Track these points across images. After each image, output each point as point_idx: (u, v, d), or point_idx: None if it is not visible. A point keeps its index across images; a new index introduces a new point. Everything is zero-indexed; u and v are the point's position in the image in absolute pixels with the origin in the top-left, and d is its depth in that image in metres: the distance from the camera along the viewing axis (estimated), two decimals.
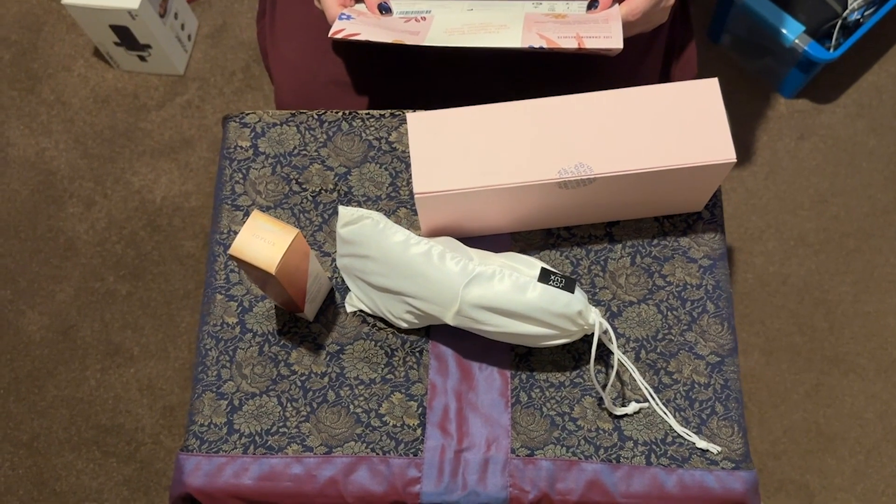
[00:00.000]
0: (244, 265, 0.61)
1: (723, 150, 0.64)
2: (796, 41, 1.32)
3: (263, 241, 0.60)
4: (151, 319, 1.37)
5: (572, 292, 0.63)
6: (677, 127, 0.65)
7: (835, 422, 1.29)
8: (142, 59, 1.47)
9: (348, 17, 0.73)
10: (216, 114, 1.49)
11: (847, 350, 1.32)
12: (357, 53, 0.87)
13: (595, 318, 0.64)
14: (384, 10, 0.76)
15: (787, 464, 1.27)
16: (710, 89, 0.66)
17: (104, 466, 1.30)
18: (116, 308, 1.38)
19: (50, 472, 1.30)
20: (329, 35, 0.71)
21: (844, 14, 1.34)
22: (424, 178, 0.65)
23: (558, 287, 0.63)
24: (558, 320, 0.63)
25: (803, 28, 1.33)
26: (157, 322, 1.37)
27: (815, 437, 1.28)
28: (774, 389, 1.31)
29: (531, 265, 0.65)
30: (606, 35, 0.68)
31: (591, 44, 0.67)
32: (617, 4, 0.72)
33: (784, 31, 1.33)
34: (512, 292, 0.63)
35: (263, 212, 0.75)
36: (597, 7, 0.72)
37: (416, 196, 0.65)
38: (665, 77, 0.96)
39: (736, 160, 0.63)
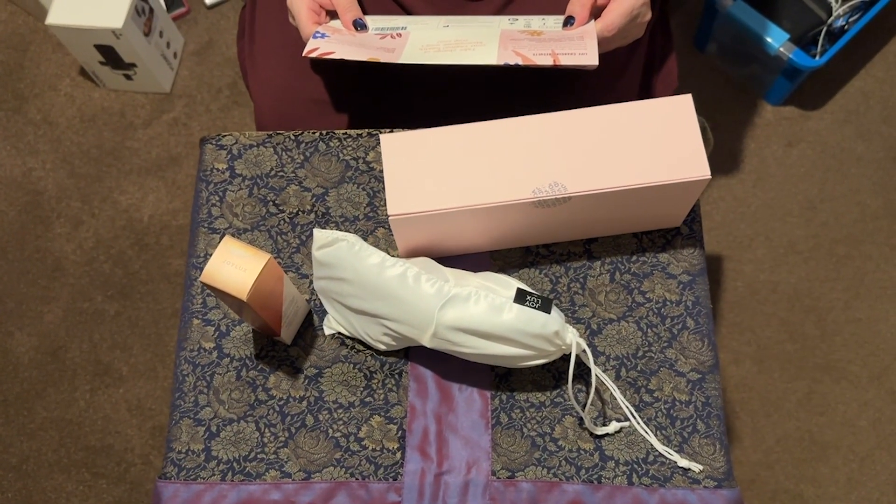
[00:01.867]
0: (217, 292, 0.61)
1: (697, 166, 0.63)
2: (781, 49, 1.32)
3: (235, 266, 0.60)
4: (140, 339, 1.37)
5: (549, 312, 0.62)
6: (651, 144, 0.64)
7: (828, 430, 1.28)
8: (128, 77, 1.47)
9: (322, 36, 0.73)
10: (203, 131, 1.49)
11: (839, 357, 1.32)
12: (336, 72, 0.87)
13: (572, 338, 0.63)
14: (359, 26, 0.75)
15: (781, 473, 1.26)
16: (683, 105, 0.65)
17: (94, 488, 1.29)
18: (105, 328, 1.37)
19: (39, 494, 1.29)
20: (303, 54, 0.71)
21: (829, 21, 1.34)
22: (399, 200, 0.64)
23: (534, 307, 0.62)
24: (535, 341, 0.63)
25: (788, 36, 1.32)
26: (145, 341, 1.36)
27: (808, 446, 1.27)
28: (766, 398, 1.30)
29: (507, 285, 0.64)
30: (582, 52, 0.67)
31: (566, 60, 0.66)
32: (593, 21, 0.72)
33: (769, 39, 1.33)
34: (488, 314, 0.62)
35: (240, 234, 0.75)
36: (572, 24, 0.72)
37: (390, 218, 0.64)
38: (646, 89, 0.95)
39: (710, 177, 0.63)
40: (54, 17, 1.34)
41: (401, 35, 0.74)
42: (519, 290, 0.63)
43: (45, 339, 1.37)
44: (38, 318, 1.38)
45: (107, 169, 1.47)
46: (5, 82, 1.54)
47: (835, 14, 1.33)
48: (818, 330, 1.33)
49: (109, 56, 1.41)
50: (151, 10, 1.42)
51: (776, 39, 1.32)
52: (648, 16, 0.73)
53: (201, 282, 0.60)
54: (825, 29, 1.34)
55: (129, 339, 1.37)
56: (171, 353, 1.36)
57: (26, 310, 1.39)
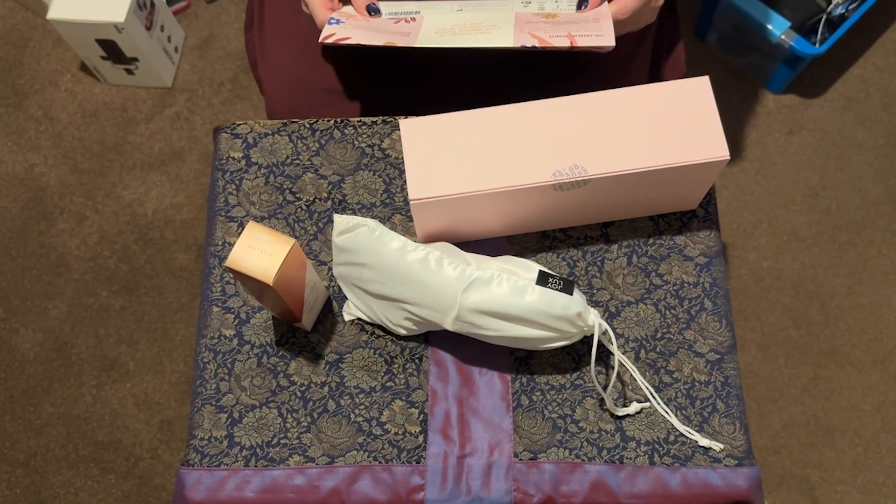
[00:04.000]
0: (241, 277, 0.61)
1: (716, 147, 0.64)
2: (782, 37, 1.33)
3: (260, 252, 0.60)
4: (146, 333, 1.36)
5: (571, 294, 0.63)
6: (670, 126, 0.65)
7: (833, 415, 1.29)
8: (129, 72, 1.47)
9: (337, 22, 0.73)
10: (205, 125, 1.49)
11: (843, 342, 1.33)
12: (347, 60, 0.87)
13: (594, 320, 0.64)
14: (373, 11, 0.75)
15: (788, 458, 1.27)
16: (701, 87, 0.66)
17: (103, 483, 1.29)
18: (111, 323, 1.37)
19: (48, 490, 1.29)
20: (319, 40, 0.71)
21: (829, 9, 1.34)
22: (419, 185, 0.65)
23: (556, 289, 0.63)
24: (557, 322, 0.63)
25: (789, 24, 1.33)
26: (151, 336, 1.36)
27: (814, 431, 1.28)
28: (772, 384, 1.31)
29: (528, 268, 0.65)
30: (598, 33, 0.68)
31: (583, 42, 0.67)
32: (606, 3, 0.72)
33: (770, 27, 1.33)
34: (510, 296, 0.63)
35: (258, 222, 0.75)
36: (586, 6, 0.72)
37: (411, 202, 0.64)
38: (654, 76, 0.96)
39: (729, 157, 0.64)
40: (56, 12, 1.33)
41: (415, 19, 0.74)
42: (541, 273, 0.64)
43: (51, 334, 1.37)
44: (42, 314, 1.38)
45: (109, 164, 1.47)
46: (5, 78, 1.53)
47: (834, 2, 1.34)
48: (822, 316, 1.34)
49: (111, 51, 1.41)
50: (153, 4, 1.42)
51: (777, 27, 1.33)
52: (661, 0, 0.74)
53: (226, 267, 0.60)
54: (825, 17, 1.35)
55: (135, 333, 1.36)
56: (177, 347, 1.36)
57: (31, 306, 1.38)
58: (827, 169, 1.42)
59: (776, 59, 1.38)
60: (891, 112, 1.45)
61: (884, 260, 1.37)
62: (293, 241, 0.61)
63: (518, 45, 0.67)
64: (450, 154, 0.65)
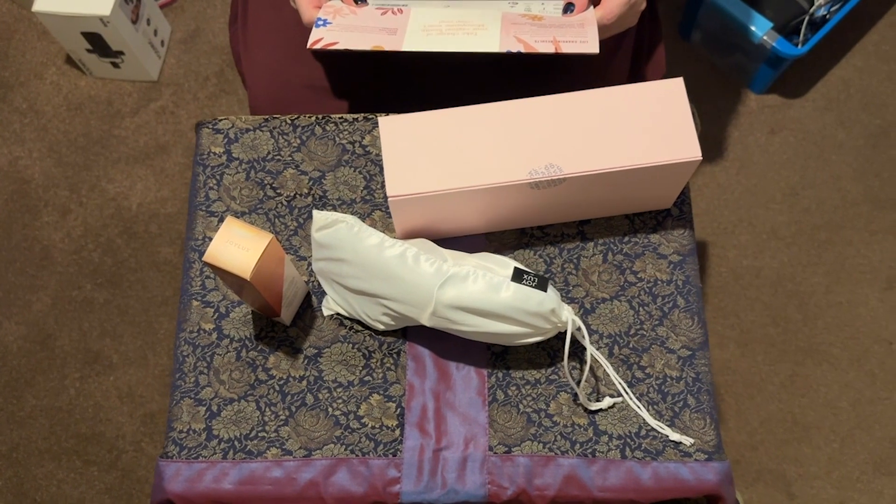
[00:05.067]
0: (219, 271, 0.62)
1: (689, 148, 0.65)
2: (765, 37, 1.34)
3: (238, 246, 0.61)
4: (130, 327, 1.37)
5: (545, 291, 0.64)
6: (644, 126, 0.66)
7: (810, 411, 1.31)
8: (115, 65, 1.47)
9: (325, 23, 0.73)
10: (191, 119, 1.49)
11: (820, 340, 1.35)
12: (331, 57, 0.87)
13: (568, 316, 0.65)
14: (359, 0, 0.76)
15: (764, 454, 1.29)
16: (675, 88, 0.67)
17: (85, 475, 1.30)
18: (94, 316, 1.37)
19: (30, 482, 1.29)
20: (307, 47, 0.71)
21: (811, 10, 1.36)
22: (397, 181, 0.66)
23: (531, 286, 0.64)
24: (532, 319, 0.64)
25: (771, 24, 1.35)
26: (135, 329, 1.37)
27: (790, 427, 1.30)
28: (750, 381, 1.33)
29: (504, 265, 0.66)
30: (583, 40, 0.68)
31: (567, 48, 0.67)
32: (592, 8, 0.73)
33: (753, 27, 1.35)
34: (486, 292, 0.64)
35: (238, 217, 0.76)
36: (573, 11, 0.73)
37: (389, 199, 0.65)
38: (635, 76, 0.97)
39: (702, 158, 0.65)
40: (41, 5, 1.33)
41: (402, 11, 0.74)
42: (516, 269, 0.65)
43: (34, 327, 1.37)
44: (26, 306, 1.38)
45: (94, 157, 1.47)
46: None
47: (816, 4, 1.36)
48: (800, 314, 1.36)
49: (96, 44, 1.41)
50: None
51: (760, 28, 1.35)
52: (644, 4, 0.75)
53: (204, 261, 0.61)
54: (807, 18, 1.36)
55: (119, 327, 1.37)
56: (161, 340, 1.36)
57: (14, 299, 1.38)
58: (807, 168, 1.44)
59: (758, 59, 1.40)
60: (871, 113, 1.47)
61: (862, 259, 1.39)
62: (271, 236, 0.62)
63: (503, 50, 0.67)
64: (428, 151, 0.66)
